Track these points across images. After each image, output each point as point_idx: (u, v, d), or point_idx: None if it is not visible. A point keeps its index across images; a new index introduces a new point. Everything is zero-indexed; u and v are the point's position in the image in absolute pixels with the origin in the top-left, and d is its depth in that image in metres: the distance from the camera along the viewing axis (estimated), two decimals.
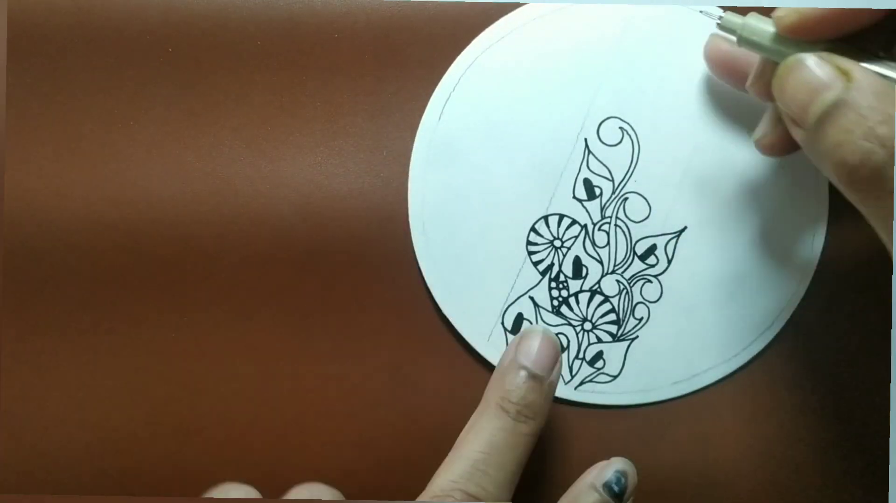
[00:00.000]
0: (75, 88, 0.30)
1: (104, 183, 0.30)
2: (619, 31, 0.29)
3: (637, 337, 0.29)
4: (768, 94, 0.24)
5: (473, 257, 0.29)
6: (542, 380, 0.26)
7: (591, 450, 0.29)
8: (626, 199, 0.29)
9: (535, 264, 0.29)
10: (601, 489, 0.26)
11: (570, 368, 0.29)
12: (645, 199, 0.29)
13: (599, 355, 0.29)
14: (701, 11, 0.26)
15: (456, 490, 0.23)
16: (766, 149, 0.27)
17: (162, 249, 0.29)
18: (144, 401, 0.29)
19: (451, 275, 0.29)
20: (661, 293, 0.29)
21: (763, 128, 0.26)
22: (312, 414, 0.29)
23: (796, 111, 0.22)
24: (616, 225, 0.29)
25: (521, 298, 0.29)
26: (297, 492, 0.26)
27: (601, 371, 0.29)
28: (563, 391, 0.29)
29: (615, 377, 0.29)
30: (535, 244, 0.29)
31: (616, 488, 0.26)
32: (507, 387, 0.25)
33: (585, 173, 0.29)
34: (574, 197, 0.29)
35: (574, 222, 0.29)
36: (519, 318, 0.29)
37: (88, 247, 0.29)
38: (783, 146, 0.26)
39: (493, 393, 0.26)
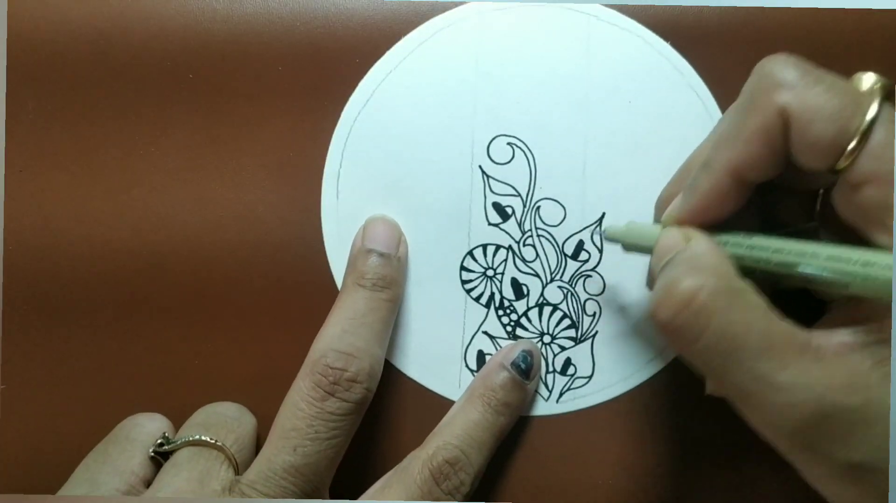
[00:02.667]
0: (97, 115, 0.30)
1: (126, 209, 0.30)
2: (473, 54, 0.29)
3: (597, 332, 0.30)
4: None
5: (417, 311, 0.30)
6: (390, 256, 0.28)
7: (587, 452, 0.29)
8: (539, 207, 0.29)
9: (476, 299, 0.30)
10: (510, 367, 0.28)
11: (546, 383, 0.30)
12: (556, 201, 0.29)
13: (568, 362, 0.30)
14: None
15: (330, 350, 0.26)
16: None
17: (185, 276, 0.29)
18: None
19: (403, 335, 0.30)
20: (604, 283, 0.30)
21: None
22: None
23: (654, 270, 0.24)
24: (538, 236, 0.29)
25: (476, 336, 0.30)
26: (205, 409, 0.28)
27: (575, 376, 0.30)
28: (546, 407, 0.30)
29: (590, 377, 0.30)
30: (470, 280, 0.30)
31: (523, 365, 0.28)
32: (361, 269, 0.28)
33: (492, 198, 0.29)
34: (489, 223, 0.30)
35: (499, 247, 0.30)
36: (480, 356, 0.30)
37: (111, 273, 0.29)
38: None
39: (349, 276, 0.28)
